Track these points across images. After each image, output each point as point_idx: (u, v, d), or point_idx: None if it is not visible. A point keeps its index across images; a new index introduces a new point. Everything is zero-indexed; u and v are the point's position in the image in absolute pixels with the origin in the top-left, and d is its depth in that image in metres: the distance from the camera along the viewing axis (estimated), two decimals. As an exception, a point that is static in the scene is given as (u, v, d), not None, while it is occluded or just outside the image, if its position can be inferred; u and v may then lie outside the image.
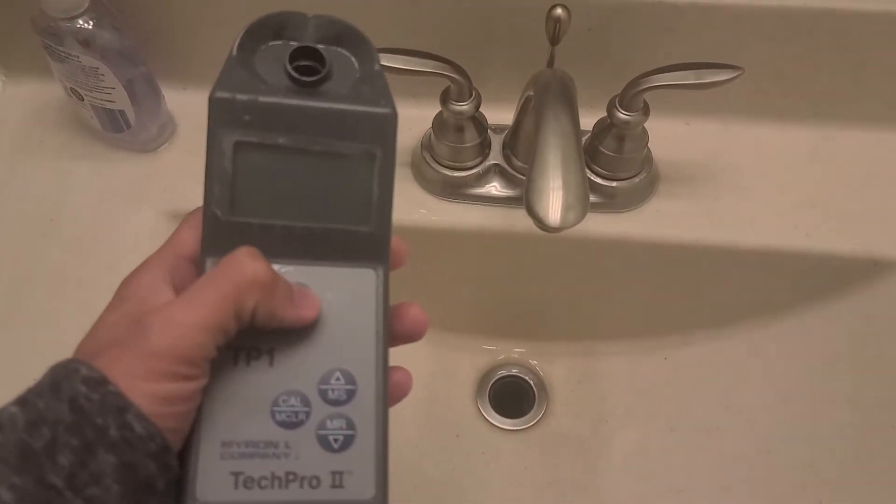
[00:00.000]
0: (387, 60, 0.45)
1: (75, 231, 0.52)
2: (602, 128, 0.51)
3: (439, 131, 0.51)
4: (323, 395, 0.26)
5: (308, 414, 0.26)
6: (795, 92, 0.54)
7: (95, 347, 0.24)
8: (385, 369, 0.27)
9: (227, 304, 0.24)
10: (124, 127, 0.52)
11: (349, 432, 0.26)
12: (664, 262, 0.54)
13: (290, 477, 0.25)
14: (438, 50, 0.52)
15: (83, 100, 0.51)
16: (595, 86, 0.53)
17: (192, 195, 0.52)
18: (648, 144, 0.51)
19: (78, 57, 0.48)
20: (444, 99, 0.49)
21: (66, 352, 0.25)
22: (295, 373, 0.26)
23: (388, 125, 0.28)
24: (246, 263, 0.25)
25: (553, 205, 0.38)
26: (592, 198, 0.52)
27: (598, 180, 0.52)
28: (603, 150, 0.51)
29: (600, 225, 0.53)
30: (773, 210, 0.53)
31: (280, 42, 0.27)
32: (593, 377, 0.61)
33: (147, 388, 0.22)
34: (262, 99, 0.26)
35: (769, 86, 0.54)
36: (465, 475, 0.57)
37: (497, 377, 0.62)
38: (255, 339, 0.25)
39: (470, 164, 0.53)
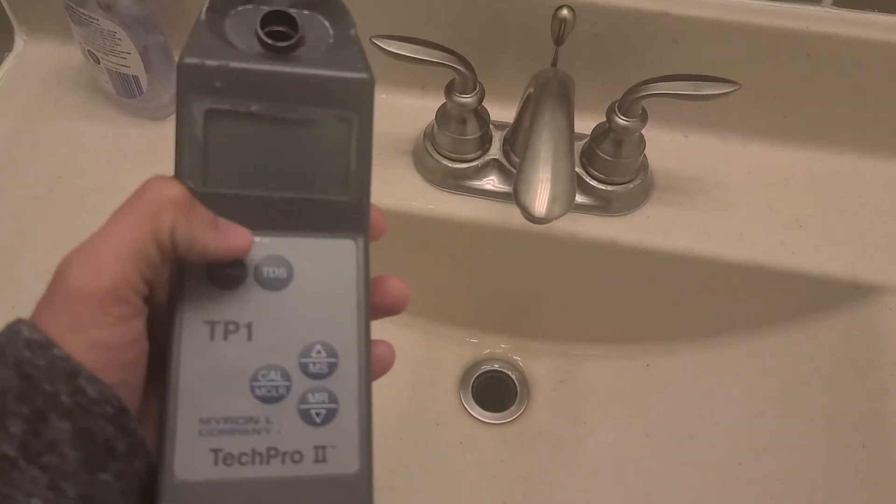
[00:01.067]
0: (395, 48, 0.47)
1: (81, 188, 0.54)
2: (600, 132, 0.52)
3: (442, 122, 0.52)
4: (304, 368, 0.25)
5: (289, 388, 0.25)
6: (794, 113, 0.56)
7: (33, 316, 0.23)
8: (367, 341, 0.26)
9: (143, 228, 0.22)
10: (137, 93, 0.54)
11: (331, 406, 0.25)
12: (652, 269, 0.55)
13: (272, 452, 0.24)
14: (449, 43, 0.53)
15: (99, 63, 0.53)
16: (597, 90, 0.54)
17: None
18: (645, 153, 0.53)
19: (97, 20, 0.50)
20: (449, 90, 0.50)
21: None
22: (274, 346, 0.25)
23: (364, 90, 0.26)
24: (158, 185, 0.24)
25: (540, 196, 0.40)
26: (587, 200, 0.54)
27: (594, 183, 0.53)
28: (600, 153, 0.52)
29: (592, 227, 0.54)
30: (762, 226, 0.54)
31: (250, 6, 0.26)
32: (575, 378, 0.62)
33: (81, 339, 0.21)
34: (233, 65, 0.24)
35: (768, 105, 0.55)
36: (441, 463, 0.58)
37: (481, 371, 0.63)
38: (232, 311, 0.25)
39: (470, 156, 0.54)
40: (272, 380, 0.25)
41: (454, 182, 0.55)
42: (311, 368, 0.25)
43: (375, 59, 0.47)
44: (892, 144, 0.57)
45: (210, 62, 0.24)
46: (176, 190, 0.24)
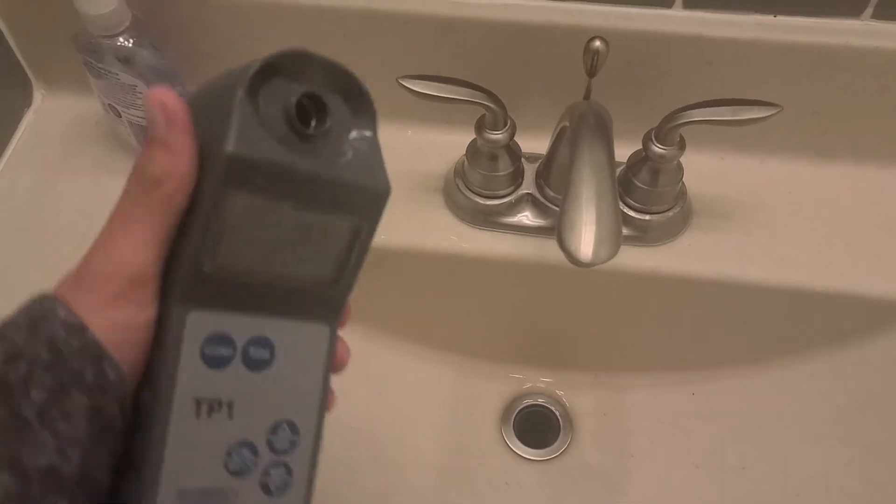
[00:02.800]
0: (422, 87, 0.46)
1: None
2: (636, 160, 0.51)
3: (473, 159, 0.51)
4: (270, 444, 0.27)
5: (256, 462, 0.27)
6: (833, 130, 0.54)
7: (58, 288, 0.25)
8: (321, 418, 0.29)
9: (163, 215, 0.24)
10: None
11: (287, 478, 0.28)
12: (695, 297, 0.54)
13: None
14: (475, 77, 0.52)
15: (120, 116, 0.52)
16: (631, 118, 0.52)
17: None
18: (683, 178, 0.51)
19: (117, 74, 0.49)
20: (479, 127, 0.49)
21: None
22: (249, 424, 0.27)
23: (380, 200, 0.28)
24: (166, 165, 0.23)
25: (585, 239, 0.38)
26: (625, 231, 0.52)
27: (632, 213, 0.52)
28: (637, 182, 0.51)
29: (632, 258, 0.52)
30: (805, 248, 0.52)
31: (281, 80, 0.25)
32: (619, 410, 0.61)
33: (105, 319, 0.23)
34: (265, 156, 0.24)
35: (807, 123, 0.54)
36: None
37: (522, 406, 0.62)
38: (218, 390, 0.26)
39: (502, 192, 0.52)
40: (244, 455, 0.27)
41: (487, 219, 0.53)
42: (276, 444, 0.27)
43: (402, 98, 0.46)
44: (936, 156, 0.55)
45: (248, 155, 0.24)
46: (183, 164, 0.24)
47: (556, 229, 0.38)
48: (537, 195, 0.53)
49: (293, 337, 0.27)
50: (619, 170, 0.52)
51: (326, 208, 0.26)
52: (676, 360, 0.59)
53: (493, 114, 0.47)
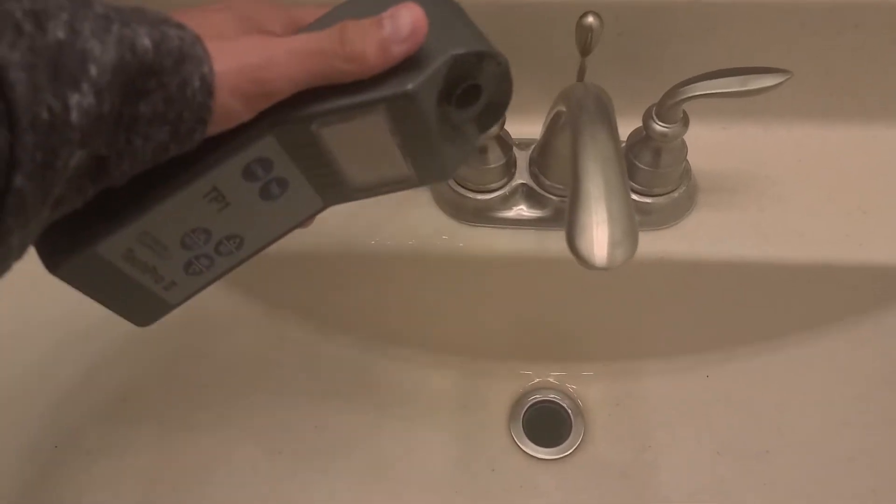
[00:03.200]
0: None
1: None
2: (637, 140, 0.47)
3: (461, 152, 0.47)
4: (218, 243, 0.32)
5: (200, 247, 0.32)
6: (842, 90, 0.51)
7: (200, 25, 0.26)
8: (256, 254, 0.34)
9: (324, 79, 0.27)
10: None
11: (204, 270, 0.33)
12: (706, 280, 0.50)
13: (153, 269, 0.31)
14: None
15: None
16: (627, 94, 0.49)
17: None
18: (687, 156, 0.48)
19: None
20: (467, 119, 0.45)
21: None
22: (223, 225, 0.31)
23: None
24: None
25: (598, 242, 0.34)
26: (629, 215, 0.49)
27: (634, 196, 0.48)
28: (638, 164, 0.47)
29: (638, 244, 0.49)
30: (823, 219, 0.49)
31: (471, 65, 0.31)
32: (632, 398, 0.58)
33: (225, 97, 0.25)
34: (419, 105, 0.29)
35: (813, 84, 0.50)
36: (502, 512, 0.54)
37: (530, 403, 0.59)
38: (234, 193, 0.30)
39: (495, 185, 0.49)
40: (198, 239, 0.31)
41: (481, 214, 0.50)
42: (220, 247, 0.32)
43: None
44: (948, 109, 0.52)
45: (415, 103, 0.29)
46: (380, 63, 0.28)
47: (566, 233, 0.35)
48: (532, 185, 0.49)
49: (300, 195, 0.33)
50: (618, 151, 0.48)
51: (408, 154, 0.32)
52: (689, 343, 0.56)
53: (481, 104, 0.43)
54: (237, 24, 0.28)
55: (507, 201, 0.49)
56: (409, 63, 0.28)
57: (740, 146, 0.52)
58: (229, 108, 0.26)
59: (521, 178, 0.49)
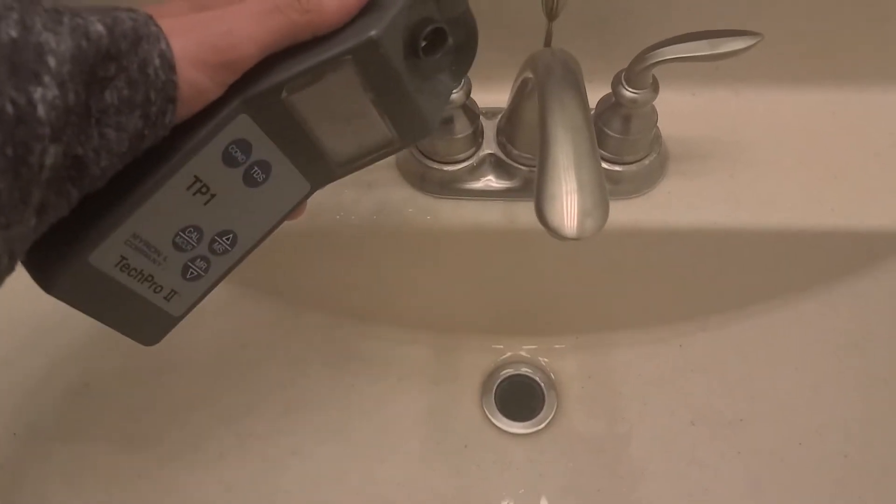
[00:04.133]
0: None
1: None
2: (606, 107, 0.46)
3: (426, 122, 0.46)
4: (211, 242, 0.31)
5: (193, 248, 0.31)
6: (812, 52, 0.50)
7: (157, 13, 0.26)
8: (254, 248, 0.33)
9: (285, 37, 0.27)
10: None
11: (203, 273, 0.32)
12: (678, 248, 0.50)
13: (150, 278, 0.30)
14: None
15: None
16: (595, 58, 0.47)
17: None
18: (657, 122, 0.47)
19: None
20: (431, 88, 0.43)
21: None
22: (211, 218, 0.30)
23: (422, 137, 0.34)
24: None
25: (568, 212, 0.33)
26: (599, 185, 0.48)
27: (604, 164, 0.47)
28: (608, 131, 0.46)
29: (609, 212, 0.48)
30: (794, 185, 0.49)
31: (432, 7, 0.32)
32: (605, 371, 0.57)
33: (190, 71, 0.25)
34: (383, 52, 0.29)
35: (783, 46, 0.49)
36: (477, 488, 0.53)
37: (502, 377, 0.58)
38: (215, 182, 0.29)
39: (462, 156, 0.47)
40: (189, 238, 0.30)
41: (448, 186, 0.48)
42: (214, 245, 0.31)
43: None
44: (918, 71, 0.51)
45: (379, 49, 0.29)
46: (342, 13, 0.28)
47: (535, 204, 0.34)
48: (500, 155, 0.48)
49: (285, 178, 0.32)
50: (587, 119, 0.47)
51: (385, 112, 0.31)
52: (661, 313, 0.56)
53: (446, 71, 0.42)
54: (191, 6, 0.28)
55: (474, 172, 0.48)
56: (370, 12, 0.29)
57: (711, 112, 0.52)
58: (196, 84, 0.26)
59: (489, 148, 0.48)
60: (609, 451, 0.54)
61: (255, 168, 0.30)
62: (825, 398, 0.51)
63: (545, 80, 0.38)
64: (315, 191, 0.33)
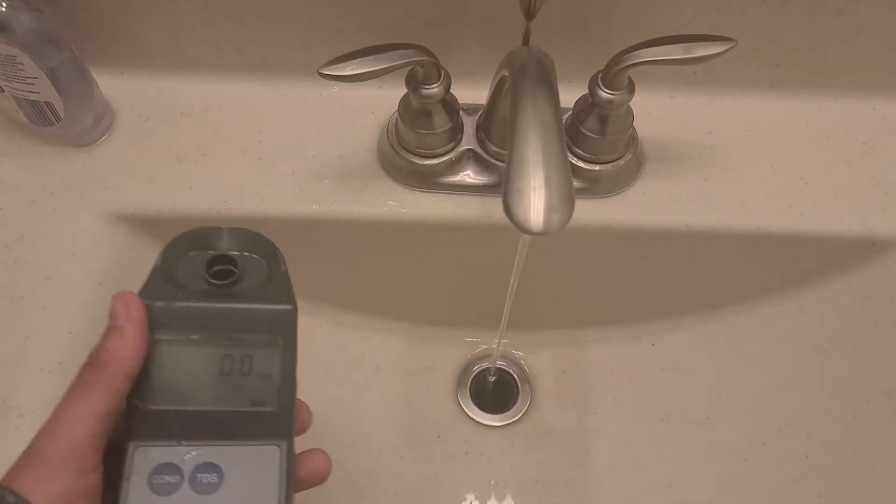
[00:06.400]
0: (349, 69, 0.40)
1: (5, 237, 0.47)
2: (583, 107, 0.47)
3: (406, 116, 0.47)
4: None
5: None
6: (788, 60, 0.51)
7: (8, 471, 0.26)
8: None
9: (104, 398, 0.27)
10: (53, 120, 0.47)
11: None
12: (652, 248, 0.51)
13: None
14: (403, 24, 0.47)
15: (3, 91, 0.46)
16: (574, 59, 0.48)
17: (136, 193, 0.48)
18: (633, 123, 0.47)
19: (-6, 45, 0.43)
20: (411, 82, 0.44)
21: None
22: None
23: (288, 319, 0.31)
24: (119, 351, 0.28)
25: (535, 207, 0.34)
26: (575, 183, 0.48)
27: (580, 164, 0.48)
28: (585, 131, 0.47)
29: (583, 211, 0.49)
30: (766, 189, 0.50)
31: (199, 252, 0.32)
32: (578, 366, 0.58)
33: (46, 489, 0.25)
34: (176, 304, 0.30)
35: (759, 54, 0.50)
36: (448, 477, 0.54)
37: (478, 370, 0.59)
38: None
39: (441, 150, 0.48)
40: None
41: (426, 180, 0.49)
42: None
43: (329, 52, 0.41)
44: (892, 83, 0.52)
45: (157, 303, 0.30)
46: (133, 363, 0.28)
47: (503, 198, 0.35)
48: (479, 151, 0.49)
49: (242, 460, 0.29)
50: (564, 117, 0.48)
51: (241, 334, 0.30)
52: (635, 311, 0.57)
53: (426, 67, 0.43)
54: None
55: (453, 167, 0.49)
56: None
57: (687, 115, 0.52)
58: (72, 491, 0.25)
59: (468, 143, 0.49)
60: (579, 445, 0.55)
61: (198, 476, 0.28)
62: (789, 399, 0.52)
63: (519, 77, 0.38)
64: (290, 445, 0.30)
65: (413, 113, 0.46)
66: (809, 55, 0.50)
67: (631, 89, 0.44)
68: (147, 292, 0.30)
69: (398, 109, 0.47)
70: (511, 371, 0.59)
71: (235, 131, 0.51)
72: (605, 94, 0.44)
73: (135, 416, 0.28)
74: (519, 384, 0.59)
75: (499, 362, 0.59)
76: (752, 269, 0.52)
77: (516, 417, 0.57)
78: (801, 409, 0.51)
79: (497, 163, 0.49)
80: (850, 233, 0.49)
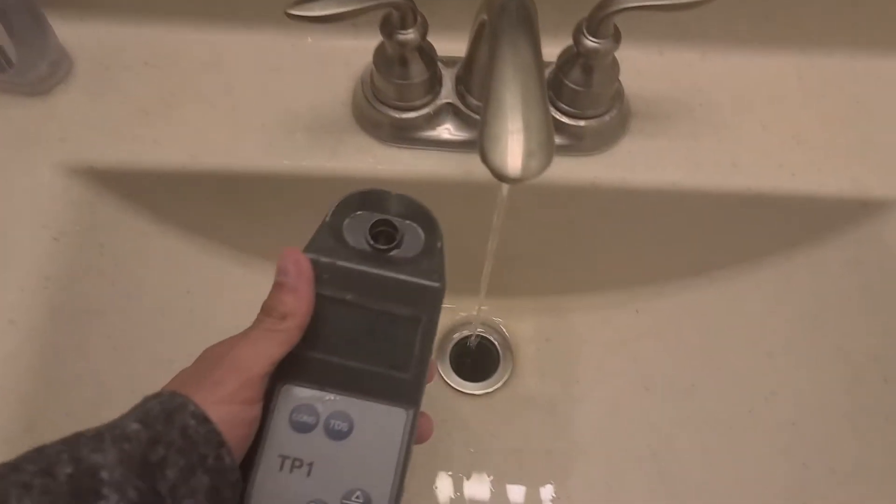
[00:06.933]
0: (317, 10, 0.38)
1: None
2: (567, 58, 0.45)
3: (382, 66, 0.44)
4: None
5: None
6: (780, 15, 0.49)
7: (177, 385, 0.29)
8: (398, 496, 0.31)
9: (282, 346, 0.30)
10: (5, 65, 0.44)
11: None
12: (638, 209, 0.49)
13: None
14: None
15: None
16: (559, 8, 0.46)
17: (96, 145, 0.46)
18: (619, 77, 0.45)
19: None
20: (385, 28, 0.42)
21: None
22: (325, 485, 0.31)
23: (435, 296, 0.33)
24: (305, 310, 0.31)
25: (512, 152, 0.32)
26: (558, 139, 0.46)
27: (564, 119, 0.46)
28: (569, 83, 0.45)
29: (567, 169, 0.47)
30: (757, 148, 0.48)
31: (366, 213, 0.35)
32: (562, 334, 0.57)
33: (222, 410, 0.28)
34: (339, 263, 0.32)
35: (749, 9, 0.48)
36: (427, 446, 0.52)
37: (458, 337, 0.57)
38: (300, 451, 0.31)
39: (419, 103, 0.46)
40: None
41: (403, 134, 0.47)
42: None
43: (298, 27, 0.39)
44: (887, 38, 0.51)
45: (322, 259, 0.32)
46: (306, 319, 0.31)
47: (478, 142, 0.32)
48: (458, 104, 0.47)
49: (372, 416, 0.31)
50: (548, 70, 0.46)
51: (390, 303, 0.32)
52: (620, 277, 0.55)
53: (400, 10, 0.40)
54: (197, 368, 0.31)
55: (431, 121, 0.47)
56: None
57: (676, 72, 0.50)
58: (234, 417, 0.29)
59: (447, 97, 0.47)
60: (561, 414, 0.54)
61: (332, 422, 0.31)
62: (777, 367, 0.50)
63: (498, 19, 0.36)
64: (416, 412, 0.32)
65: (388, 61, 0.44)
66: (802, 11, 0.48)
67: (617, 38, 0.42)
68: (314, 246, 0.33)
69: (373, 59, 0.45)
70: (492, 338, 0.57)
71: (203, 83, 0.49)
72: (590, 42, 0.42)
73: (286, 359, 0.31)
74: (500, 352, 0.57)
75: (479, 330, 0.57)
76: (741, 233, 0.50)
77: (497, 386, 0.55)
78: (788, 377, 0.50)
79: (477, 117, 0.46)
80: (842, 193, 0.47)
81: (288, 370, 0.31)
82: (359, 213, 0.35)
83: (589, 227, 0.51)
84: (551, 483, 0.51)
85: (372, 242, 0.34)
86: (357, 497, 0.31)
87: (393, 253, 0.34)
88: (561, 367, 0.56)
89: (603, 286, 0.56)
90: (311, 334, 0.31)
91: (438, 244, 0.35)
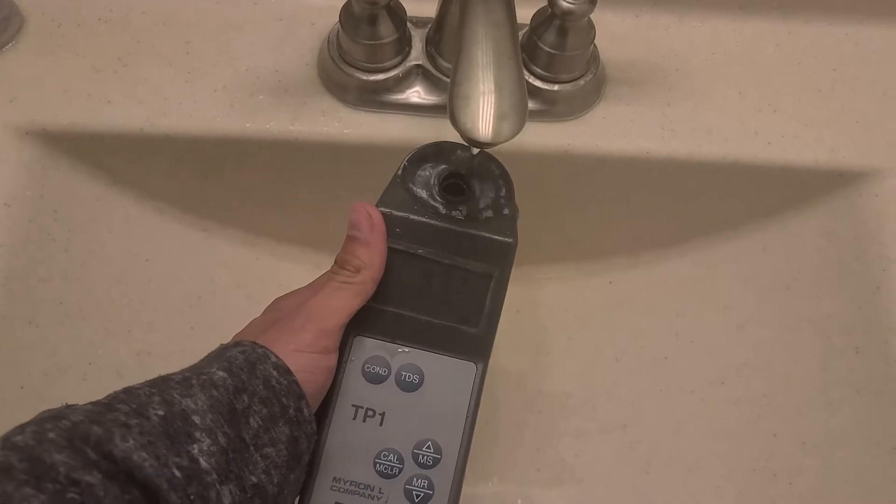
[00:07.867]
0: None
1: None
2: (542, 20, 0.43)
3: (349, 25, 0.42)
4: (415, 457, 0.32)
5: (401, 470, 0.31)
6: (760, -22, 0.48)
7: (251, 335, 0.31)
8: (467, 447, 0.32)
9: (358, 297, 0.31)
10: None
11: (429, 492, 0.32)
12: (612, 176, 0.48)
13: None
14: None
15: None
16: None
17: (47, 105, 0.43)
18: (595, 41, 0.44)
19: None
20: (352, -16, 0.40)
21: None
22: (397, 435, 0.32)
23: (507, 252, 0.33)
24: (380, 265, 0.32)
25: (483, 114, 0.31)
26: (530, 104, 0.45)
27: (537, 83, 0.45)
28: (543, 46, 0.43)
29: (539, 135, 0.46)
30: (732, 116, 0.47)
31: (438, 165, 0.35)
32: (533, 305, 0.56)
33: (295, 358, 0.29)
34: (411, 217, 0.33)
35: (731, -29, 0.47)
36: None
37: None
38: (373, 401, 0.32)
39: (387, 64, 0.44)
40: (390, 460, 0.31)
41: (372, 98, 0.45)
42: (421, 459, 0.32)
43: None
44: (865, 6, 0.50)
45: (395, 213, 0.33)
46: (380, 272, 0.32)
47: (448, 104, 0.31)
48: (429, 67, 0.45)
49: (442, 368, 0.32)
50: (522, 32, 0.44)
51: (462, 258, 0.33)
52: (592, 247, 0.54)
53: (368, -35, 0.38)
54: (269, 318, 0.32)
55: (400, 84, 0.45)
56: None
57: (652, 36, 0.49)
58: (313, 367, 0.30)
59: (417, 59, 0.45)
60: (531, 386, 0.53)
61: (404, 374, 0.32)
62: (749, 338, 0.50)
63: (470, -26, 0.35)
64: (485, 367, 0.33)
65: (356, 20, 0.42)
66: (782, -27, 0.47)
67: (593, -1, 0.41)
68: (386, 200, 0.33)
69: (340, 18, 0.43)
70: (462, 309, 0.56)
71: (160, 40, 0.46)
72: (565, 3, 0.41)
73: (359, 311, 0.31)
74: (470, 323, 0.56)
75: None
76: (715, 202, 0.49)
77: (467, 357, 0.54)
78: (760, 348, 0.49)
79: (448, 80, 0.45)
80: (818, 163, 0.46)
81: (361, 322, 0.32)
82: (431, 165, 0.34)
83: (561, 194, 0.50)
84: (522, 455, 0.51)
85: (441, 193, 0.34)
86: (428, 447, 0.32)
87: (464, 208, 0.34)
88: (531, 338, 0.55)
89: (575, 256, 0.55)
90: (384, 288, 0.32)
91: (511, 200, 0.35)
